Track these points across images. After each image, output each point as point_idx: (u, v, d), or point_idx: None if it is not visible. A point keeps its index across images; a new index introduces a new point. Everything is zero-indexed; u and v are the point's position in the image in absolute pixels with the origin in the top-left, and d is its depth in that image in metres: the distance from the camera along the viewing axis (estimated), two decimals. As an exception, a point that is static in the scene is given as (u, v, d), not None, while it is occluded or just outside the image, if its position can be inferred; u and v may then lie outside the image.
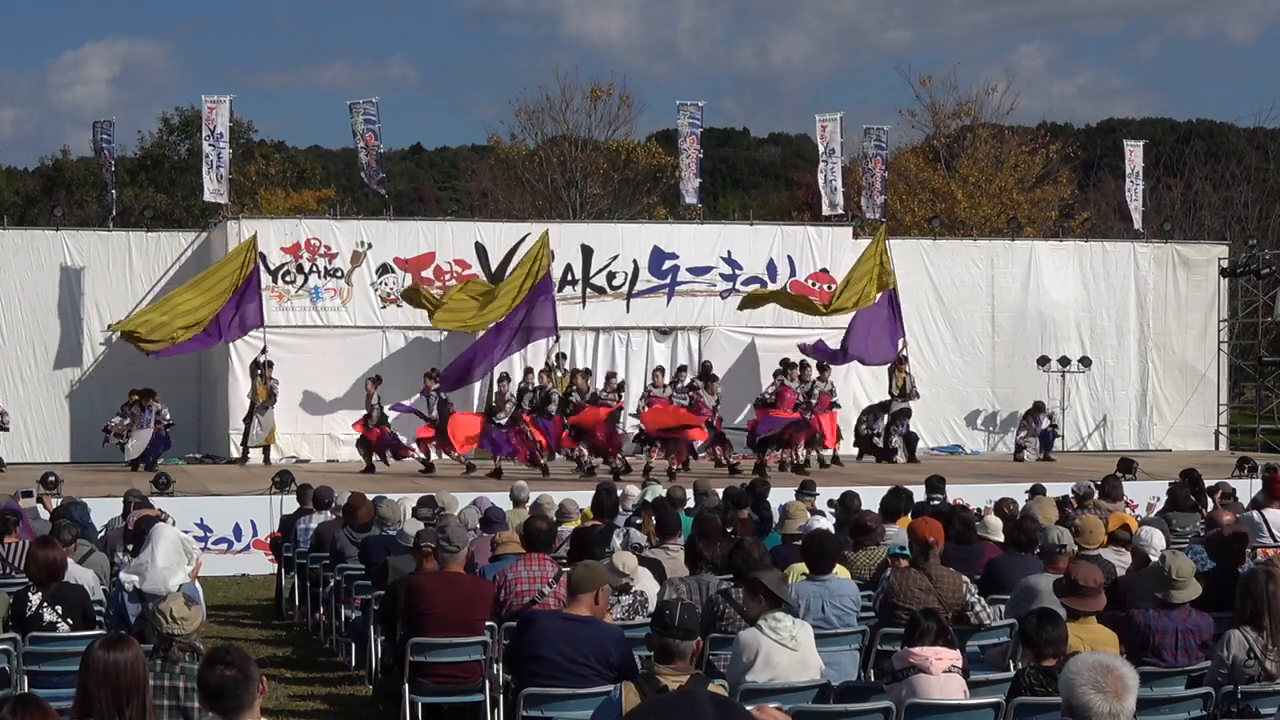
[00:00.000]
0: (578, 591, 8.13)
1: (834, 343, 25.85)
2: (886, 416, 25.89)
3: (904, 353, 26.19)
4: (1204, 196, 46.22)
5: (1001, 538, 11.64)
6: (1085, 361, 28.90)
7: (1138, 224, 30.80)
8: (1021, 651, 8.71)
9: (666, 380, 23.28)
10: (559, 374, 24.23)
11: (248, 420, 24.09)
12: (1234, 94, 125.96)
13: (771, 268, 27.46)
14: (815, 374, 24.30)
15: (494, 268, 26.33)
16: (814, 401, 23.60)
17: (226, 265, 24.16)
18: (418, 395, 23.34)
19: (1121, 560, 10.40)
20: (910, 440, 26.01)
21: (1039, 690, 7.14)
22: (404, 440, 23.39)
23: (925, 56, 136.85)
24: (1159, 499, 18.95)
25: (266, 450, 24.17)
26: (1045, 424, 26.63)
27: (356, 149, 27.23)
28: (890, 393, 26.16)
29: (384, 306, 25.94)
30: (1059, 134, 50.39)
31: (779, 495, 15.22)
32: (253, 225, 25.76)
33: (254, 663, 5.52)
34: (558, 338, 24.68)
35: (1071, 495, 15.56)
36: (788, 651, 7.81)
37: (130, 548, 11.29)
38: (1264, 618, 7.75)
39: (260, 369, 23.91)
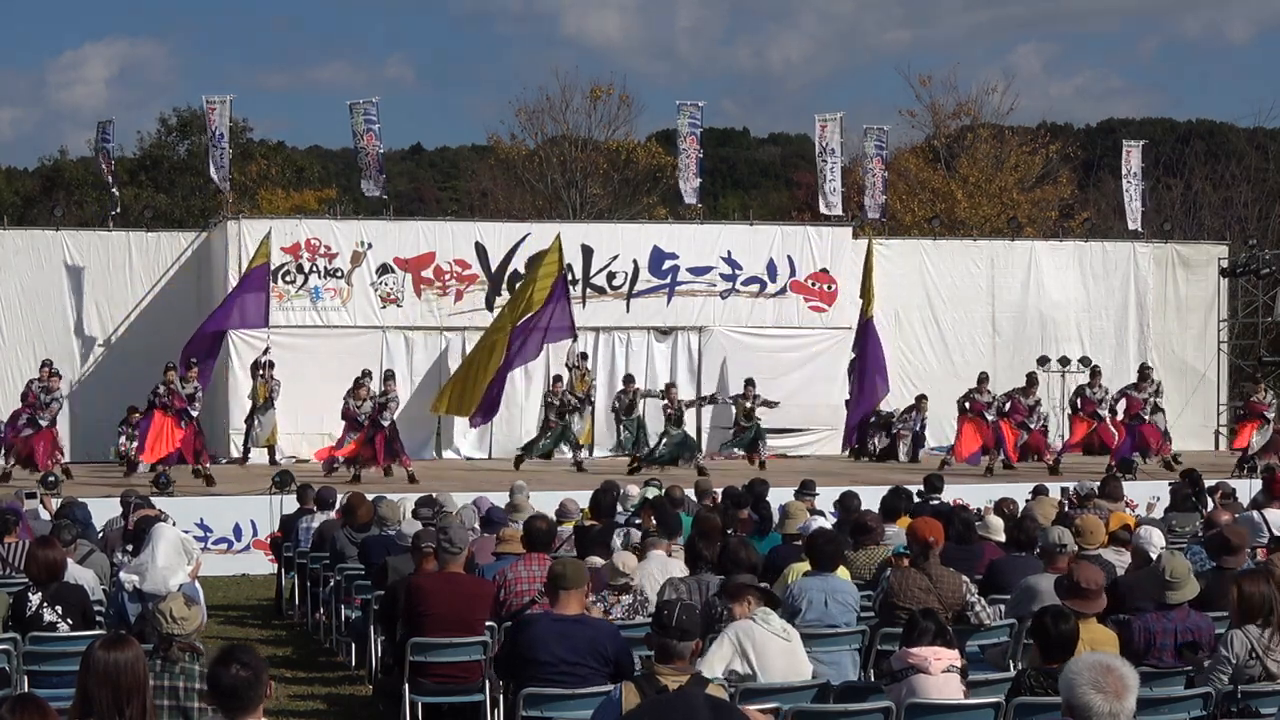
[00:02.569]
0: (570, 588, 8.14)
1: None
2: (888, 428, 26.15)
3: None
4: (1204, 196, 46.19)
5: (1002, 538, 11.65)
6: (1085, 361, 28.85)
7: (1132, 224, 30.76)
8: (1024, 651, 8.73)
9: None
10: (579, 374, 24.30)
11: (249, 421, 24.07)
12: (1232, 94, 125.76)
13: (771, 268, 27.47)
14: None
15: (494, 268, 26.36)
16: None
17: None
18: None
19: (1121, 560, 10.41)
20: (917, 440, 26.09)
21: (1039, 691, 7.14)
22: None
23: (924, 57, 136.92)
24: (1159, 499, 18.97)
25: (271, 450, 24.15)
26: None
27: (357, 149, 27.22)
28: None
29: (384, 306, 25.95)
30: (1059, 134, 50.35)
31: (779, 495, 15.23)
32: (252, 225, 25.77)
33: (266, 665, 5.52)
34: (575, 338, 24.65)
35: (1072, 495, 15.59)
36: (780, 640, 7.84)
37: (130, 548, 11.30)
38: (1263, 616, 7.75)
39: (261, 369, 23.89)
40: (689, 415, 24.88)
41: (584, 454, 24.06)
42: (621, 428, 24.39)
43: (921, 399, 27.11)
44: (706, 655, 7.76)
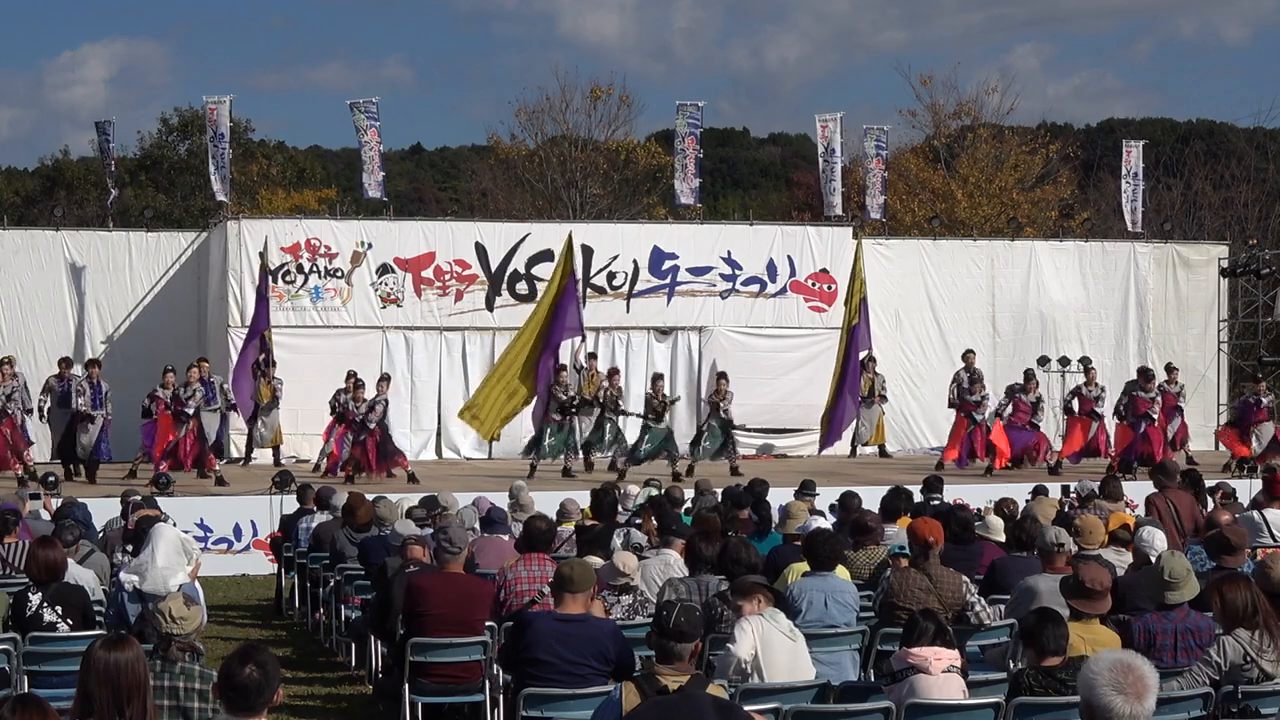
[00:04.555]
0: (576, 591, 8.14)
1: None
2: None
3: (872, 354, 25.96)
4: (1204, 196, 46.21)
5: (1002, 538, 11.65)
6: (1085, 361, 28.87)
7: (1129, 224, 30.75)
8: (1022, 651, 8.73)
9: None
10: (588, 374, 24.02)
11: (251, 422, 23.99)
12: (1229, 94, 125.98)
13: (771, 268, 27.47)
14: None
15: (494, 268, 26.36)
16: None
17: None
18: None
19: (1121, 560, 10.41)
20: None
21: (1039, 690, 7.14)
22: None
23: (920, 57, 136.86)
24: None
25: (276, 451, 24.09)
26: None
27: (361, 146, 27.17)
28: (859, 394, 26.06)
29: (384, 306, 25.95)
30: (1059, 134, 50.37)
31: (779, 495, 15.23)
32: (253, 225, 25.77)
33: (280, 671, 5.52)
34: (584, 338, 24.57)
35: (1073, 495, 15.59)
36: (787, 641, 7.85)
37: (130, 548, 11.31)
38: (1248, 620, 7.75)
39: (262, 370, 23.83)
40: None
41: (578, 458, 23.45)
42: (646, 438, 23.38)
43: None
44: (735, 640, 7.80)
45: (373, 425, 22.03)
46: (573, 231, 24.15)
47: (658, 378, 24.44)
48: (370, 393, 22.53)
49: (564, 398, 22.99)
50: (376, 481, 21.24)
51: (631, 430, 23.94)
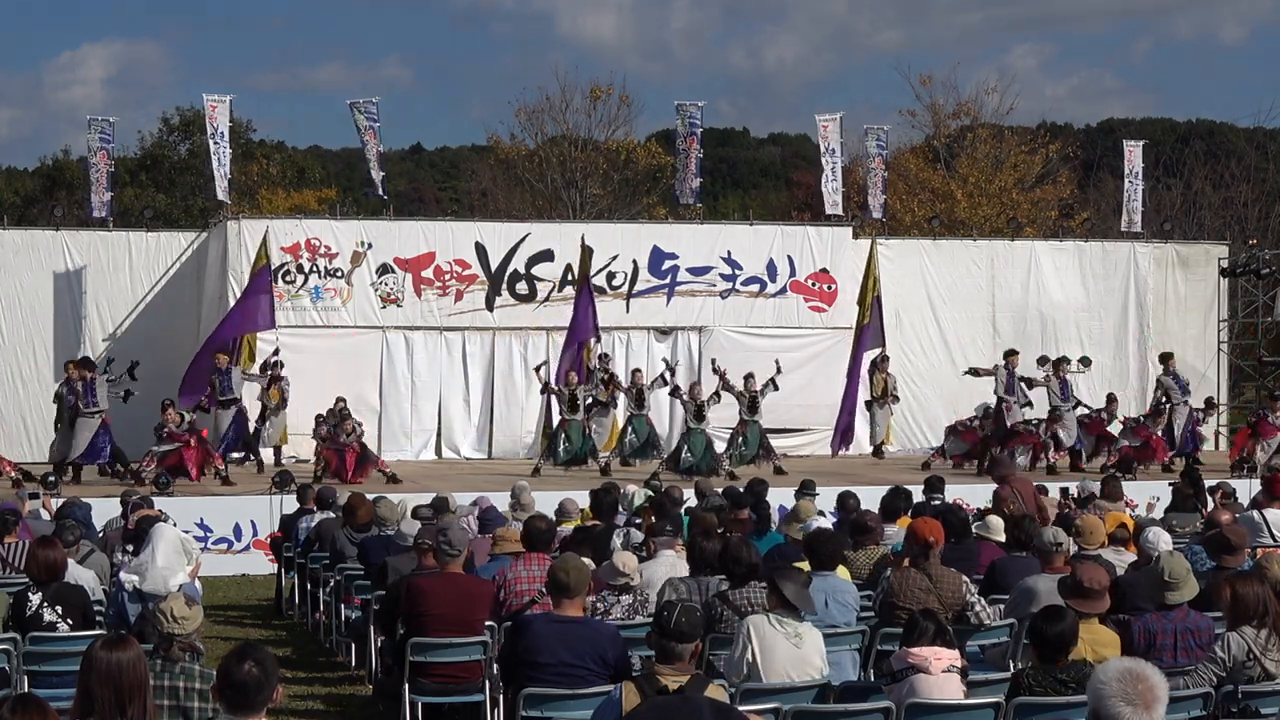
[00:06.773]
0: (574, 596, 8.13)
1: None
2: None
3: (884, 354, 26.04)
4: (1204, 196, 46.22)
5: (1002, 538, 11.65)
6: (1085, 361, 28.85)
7: (1126, 224, 30.73)
8: (1024, 651, 8.73)
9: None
10: (602, 375, 23.90)
11: (259, 421, 23.91)
12: (1227, 94, 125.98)
13: (771, 268, 27.47)
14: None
15: (494, 268, 26.37)
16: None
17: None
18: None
19: (1121, 560, 10.41)
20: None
21: (1039, 690, 7.14)
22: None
23: (919, 57, 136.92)
24: (1159, 499, 18.97)
25: (277, 451, 24.05)
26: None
27: (363, 144, 27.16)
28: (871, 394, 26.09)
29: (384, 306, 25.94)
30: (1058, 134, 50.37)
31: (779, 495, 15.22)
32: (252, 225, 25.75)
33: (278, 670, 5.51)
34: (598, 338, 24.52)
35: (1073, 495, 15.60)
36: (790, 647, 7.84)
37: (130, 548, 11.31)
38: (1258, 617, 7.75)
39: (271, 370, 23.77)
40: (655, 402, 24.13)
41: (605, 457, 23.05)
42: (630, 429, 23.46)
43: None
44: (731, 662, 7.80)
45: (353, 443, 21.93)
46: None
47: (694, 384, 23.78)
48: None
49: (568, 394, 22.77)
50: (377, 482, 21.21)
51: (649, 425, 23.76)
